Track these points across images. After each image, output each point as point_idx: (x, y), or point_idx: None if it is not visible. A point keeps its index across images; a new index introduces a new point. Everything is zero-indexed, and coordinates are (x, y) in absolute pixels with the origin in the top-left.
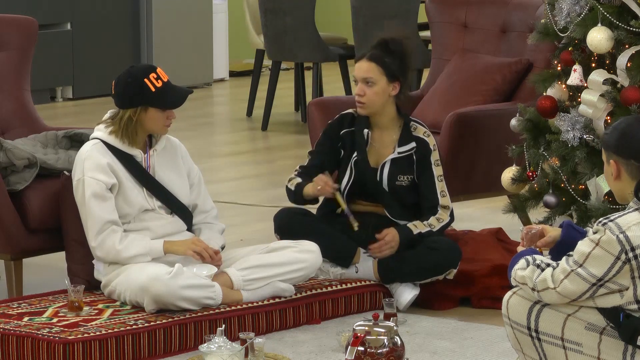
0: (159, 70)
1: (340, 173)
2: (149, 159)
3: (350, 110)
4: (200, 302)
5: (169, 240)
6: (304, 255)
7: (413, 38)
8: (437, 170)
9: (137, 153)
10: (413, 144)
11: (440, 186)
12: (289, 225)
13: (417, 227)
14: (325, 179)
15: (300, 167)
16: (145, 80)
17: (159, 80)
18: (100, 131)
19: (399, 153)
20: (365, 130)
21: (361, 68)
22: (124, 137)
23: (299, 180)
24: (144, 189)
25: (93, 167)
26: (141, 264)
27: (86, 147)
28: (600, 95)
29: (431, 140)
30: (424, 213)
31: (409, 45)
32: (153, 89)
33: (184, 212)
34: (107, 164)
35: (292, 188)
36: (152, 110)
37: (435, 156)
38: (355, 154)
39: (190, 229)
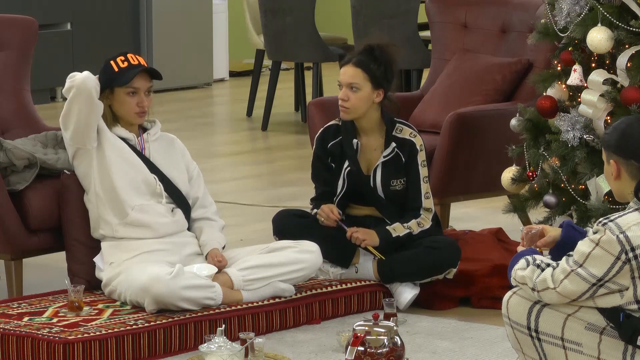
0: (130, 55)
1: (334, 182)
2: (143, 142)
3: (333, 122)
4: (201, 302)
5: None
6: (304, 256)
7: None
8: (423, 172)
9: (130, 136)
10: (393, 145)
11: (425, 188)
12: (287, 227)
13: (396, 230)
14: (328, 210)
15: (312, 200)
16: (111, 62)
17: (124, 62)
18: None
19: (384, 157)
20: (355, 141)
21: (346, 73)
22: (108, 122)
23: (315, 211)
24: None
25: None
26: (142, 264)
27: None
28: (600, 95)
29: (418, 141)
30: (406, 213)
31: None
32: (116, 69)
33: (181, 200)
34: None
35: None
36: (117, 92)
37: (421, 157)
38: (346, 164)
39: (188, 219)
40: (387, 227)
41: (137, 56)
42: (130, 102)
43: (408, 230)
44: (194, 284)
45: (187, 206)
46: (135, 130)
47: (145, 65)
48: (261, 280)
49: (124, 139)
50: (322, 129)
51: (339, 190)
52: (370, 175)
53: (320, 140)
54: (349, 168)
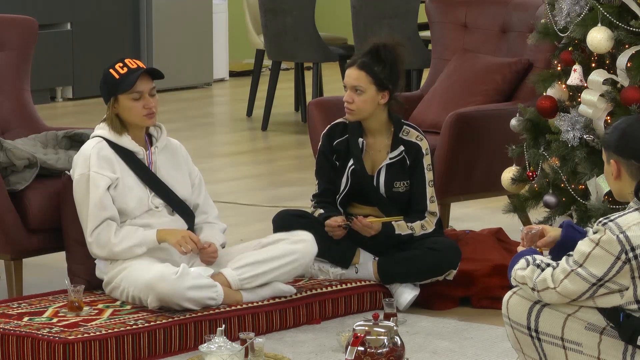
0: (128, 60)
1: (337, 180)
2: (150, 156)
3: (340, 120)
4: (203, 302)
5: (163, 229)
6: (296, 246)
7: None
8: (429, 175)
9: (139, 150)
10: (401, 148)
11: (430, 192)
12: (287, 228)
13: (400, 227)
14: (334, 224)
15: (314, 197)
16: (111, 70)
17: (124, 68)
18: (101, 129)
19: (390, 159)
20: (360, 140)
21: (351, 76)
22: (117, 132)
23: (320, 211)
24: (147, 187)
25: (99, 163)
26: (147, 262)
27: (90, 143)
28: (600, 95)
29: (424, 144)
30: (411, 214)
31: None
32: (117, 77)
33: (185, 211)
34: (110, 159)
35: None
36: (122, 99)
37: (427, 160)
38: (351, 162)
39: (192, 228)
40: (392, 222)
41: (135, 60)
42: (137, 106)
43: (410, 231)
44: (198, 284)
45: (191, 216)
46: (142, 140)
47: (144, 67)
48: (257, 277)
49: (132, 152)
50: (329, 126)
51: (342, 188)
52: (374, 175)
53: (327, 138)
54: (353, 166)
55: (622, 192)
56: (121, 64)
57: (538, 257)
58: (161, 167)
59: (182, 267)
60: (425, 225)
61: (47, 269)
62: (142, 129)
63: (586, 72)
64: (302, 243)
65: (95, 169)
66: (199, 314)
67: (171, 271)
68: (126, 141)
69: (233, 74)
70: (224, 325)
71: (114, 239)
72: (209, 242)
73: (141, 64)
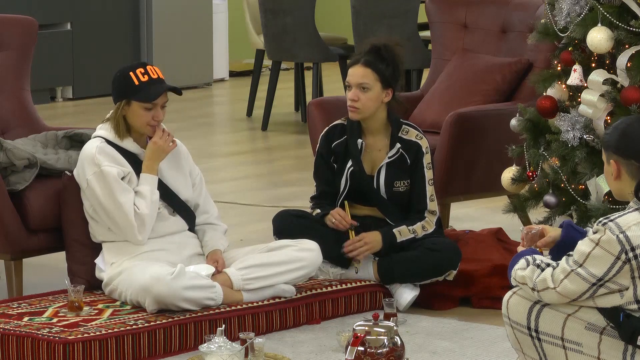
0: (149, 67)
1: (336, 182)
2: None
3: (339, 121)
4: (201, 302)
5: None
6: (303, 254)
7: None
8: (428, 174)
9: (141, 152)
10: (398, 145)
11: (430, 190)
12: (287, 228)
13: (402, 234)
14: (343, 214)
15: (312, 199)
16: (131, 73)
17: (145, 75)
18: (102, 130)
19: (389, 157)
20: (359, 140)
21: (356, 73)
22: (119, 133)
23: (318, 211)
24: None
25: (106, 158)
26: (143, 264)
27: (93, 143)
28: (600, 95)
29: (424, 143)
30: (411, 215)
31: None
32: (136, 83)
33: (187, 212)
34: (116, 158)
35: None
36: (135, 105)
37: (427, 159)
38: (349, 163)
39: (193, 229)
40: (394, 230)
41: (155, 68)
42: (147, 115)
43: (413, 235)
44: (195, 284)
45: (192, 216)
46: (144, 142)
47: (162, 77)
48: (261, 279)
49: (134, 155)
50: (327, 127)
51: (341, 189)
52: (374, 175)
53: (325, 139)
54: (352, 168)
55: (622, 192)
56: (142, 70)
57: (538, 257)
58: (163, 168)
59: (179, 268)
60: (426, 226)
61: (47, 269)
62: (144, 135)
63: (586, 72)
64: (309, 252)
65: (106, 164)
66: (199, 314)
67: (167, 272)
68: (128, 143)
69: (233, 74)
70: (224, 325)
71: (145, 209)
72: (219, 256)
73: (160, 73)
